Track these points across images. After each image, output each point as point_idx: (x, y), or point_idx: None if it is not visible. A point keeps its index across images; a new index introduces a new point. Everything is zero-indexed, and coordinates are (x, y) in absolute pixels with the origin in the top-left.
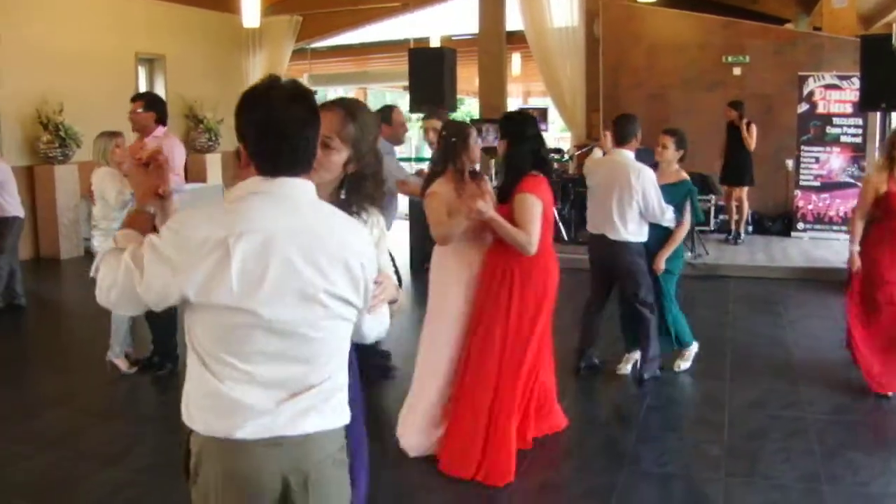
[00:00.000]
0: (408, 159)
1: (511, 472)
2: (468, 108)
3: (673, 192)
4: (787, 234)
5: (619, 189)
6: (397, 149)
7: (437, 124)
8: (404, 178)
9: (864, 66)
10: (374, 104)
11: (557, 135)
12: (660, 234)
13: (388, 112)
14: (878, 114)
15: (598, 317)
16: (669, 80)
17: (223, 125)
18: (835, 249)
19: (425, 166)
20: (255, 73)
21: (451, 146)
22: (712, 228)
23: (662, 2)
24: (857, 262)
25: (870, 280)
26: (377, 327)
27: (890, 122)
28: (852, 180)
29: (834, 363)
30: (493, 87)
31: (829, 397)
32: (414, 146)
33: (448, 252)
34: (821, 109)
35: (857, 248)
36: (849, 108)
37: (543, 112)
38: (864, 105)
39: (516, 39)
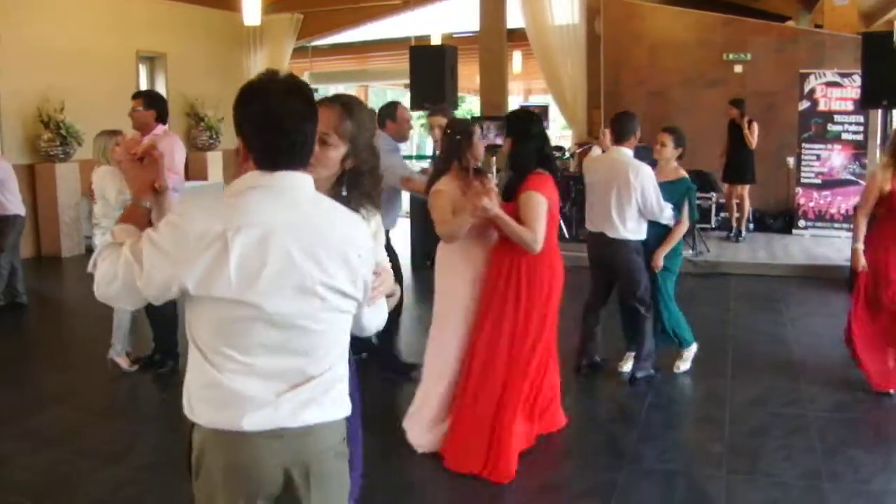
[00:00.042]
0: (408, 157)
1: (513, 470)
2: (469, 105)
3: (671, 190)
4: (789, 232)
5: (618, 187)
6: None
7: (443, 121)
8: (409, 175)
9: (866, 64)
10: (375, 102)
11: (558, 132)
12: (659, 232)
13: (393, 109)
14: (880, 111)
15: (598, 315)
16: (670, 77)
17: (224, 123)
18: (836, 247)
19: (428, 164)
20: (256, 71)
21: (455, 144)
22: (713, 226)
23: None
24: (862, 260)
25: (875, 280)
26: (376, 320)
27: (891, 120)
28: (853, 178)
29: (835, 361)
30: (494, 85)
31: (831, 395)
32: (415, 143)
33: (453, 250)
34: (822, 107)
35: (860, 245)
36: (850, 106)
37: (544, 109)
38: (866, 102)
39: (517, 37)
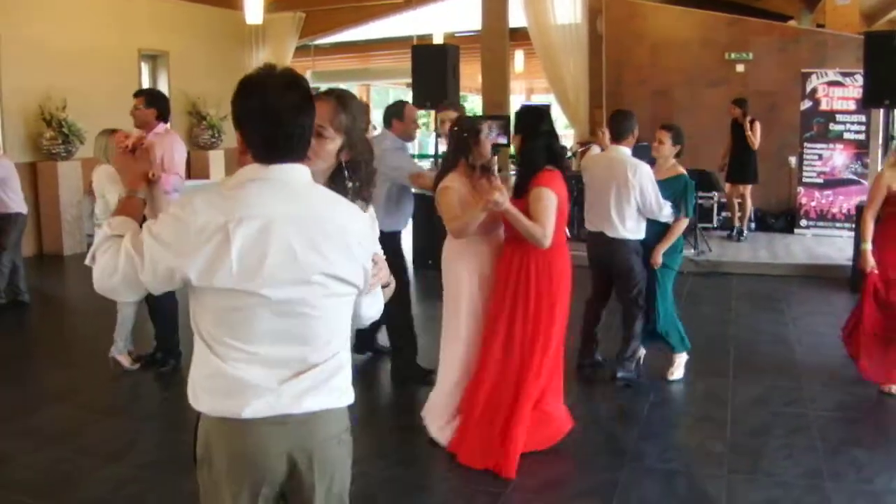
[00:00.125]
0: (411, 155)
1: (515, 468)
2: (471, 104)
3: (670, 187)
4: (790, 231)
5: (617, 186)
6: None
7: (452, 115)
8: (420, 171)
9: (868, 63)
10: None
11: (560, 131)
12: (659, 231)
13: (400, 108)
14: (881, 110)
15: (600, 314)
16: (673, 76)
17: (226, 122)
18: (838, 246)
19: (430, 163)
20: None
21: (462, 141)
22: (715, 225)
23: None
24: (871, 261)
25: (885, 281)
26: (373, 308)
27: (893, 119)
28: (855, 177)
29: (837, 360)
30: (496, 84)
31: (832, 394)
32: (417, 142)
33: (460, 247)
34: (824, 106)
35: (869, 246)
36: (852, 105)
37: (547, 109)
38: (867, 102)
39: (519, 36)
